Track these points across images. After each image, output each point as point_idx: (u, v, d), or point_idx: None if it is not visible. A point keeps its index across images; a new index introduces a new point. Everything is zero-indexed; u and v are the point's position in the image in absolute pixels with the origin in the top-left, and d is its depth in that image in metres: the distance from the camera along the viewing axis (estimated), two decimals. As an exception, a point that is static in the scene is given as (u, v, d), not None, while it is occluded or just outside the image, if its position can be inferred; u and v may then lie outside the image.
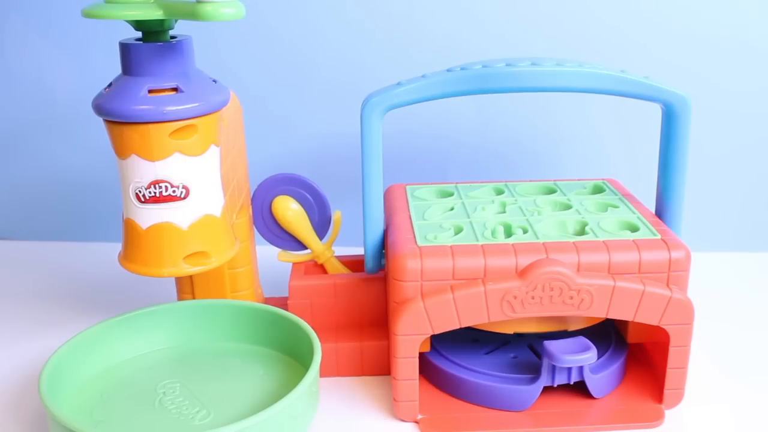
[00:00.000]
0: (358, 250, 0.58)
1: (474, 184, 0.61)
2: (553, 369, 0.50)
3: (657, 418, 0.50)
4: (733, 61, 0.72)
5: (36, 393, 0.54)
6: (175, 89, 0.47)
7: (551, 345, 0.49)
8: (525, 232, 0.51)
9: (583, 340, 0.49)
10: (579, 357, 0.48)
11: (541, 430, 0.49)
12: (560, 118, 0.76)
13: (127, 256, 0.50)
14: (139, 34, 0.48)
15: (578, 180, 0.62)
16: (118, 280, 0.70)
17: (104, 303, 0.68)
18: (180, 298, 0.59)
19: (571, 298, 0.47)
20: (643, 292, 0.47)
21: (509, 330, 0.50)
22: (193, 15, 0.44)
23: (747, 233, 0.78)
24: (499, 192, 0.59)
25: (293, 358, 0.54)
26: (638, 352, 0.56)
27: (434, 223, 0.53)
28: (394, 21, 0.73)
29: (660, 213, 0.55)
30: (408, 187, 0.61)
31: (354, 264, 0.61)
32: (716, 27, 0.71)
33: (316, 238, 0.59)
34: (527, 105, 0.75)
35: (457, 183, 0.61)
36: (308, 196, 0.59)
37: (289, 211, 0.59)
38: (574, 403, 0.51)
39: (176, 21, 0.48)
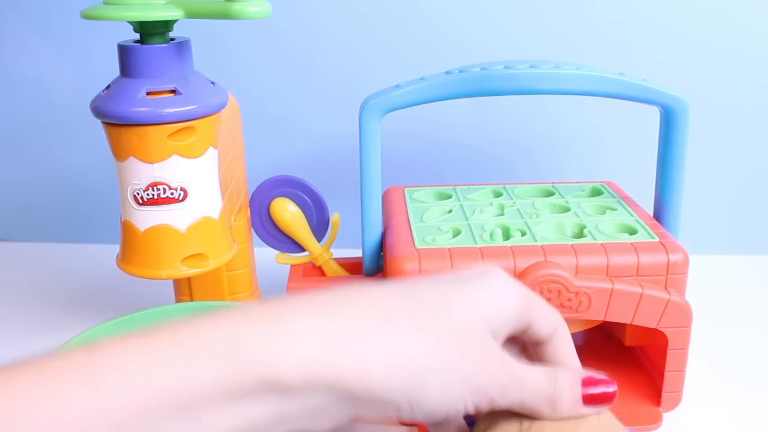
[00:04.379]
0: (356, 253, 0.58)
1: (472, 187, 0.61)
2: None
3: (655, 421, 0.50)
4: (732, 62, 0.72)
5: (33, 395, 0.54)
6: (174, 91, 0.47)
7: None
8: (523, 234, 0.51)
9: None
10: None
11: (539, 432, 0.49)
12: (558, 121, 0.76)
13: (125, 258, 0.50)
14: (137, 36, 0.48)
15: (576, 182, 0.62)
16: (116, 282, 0.70)
17: (102, 305, 0.68)
18: (178, 300, 0.59)
19: (569, 300, 0.47)
20: (641, 295, 0.47)
21: (507, 332, 0.50)
22: (220, 14, 0.44)
23: (745, 236, 0.78)
24: (498, 194, 0.59)
25: (291, 361, 0.54)
26: (636, 355, 0.56)
27: (432, 225, 0.53)
28: (393, 23, 0.73)
29: (658, 216, 0.55)
30: (406, 189, 0.61)
31: (352, 266, 0.61)
32: (715, 27, 0.71)
33: (314, 240, 0.59)
34: (526, 107, 0.75)
35: (455, 185, 0.61)
36: (306, 198, 0.59)
37: (287, 213, 0.59)
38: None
39: (175, 22, 0.48)
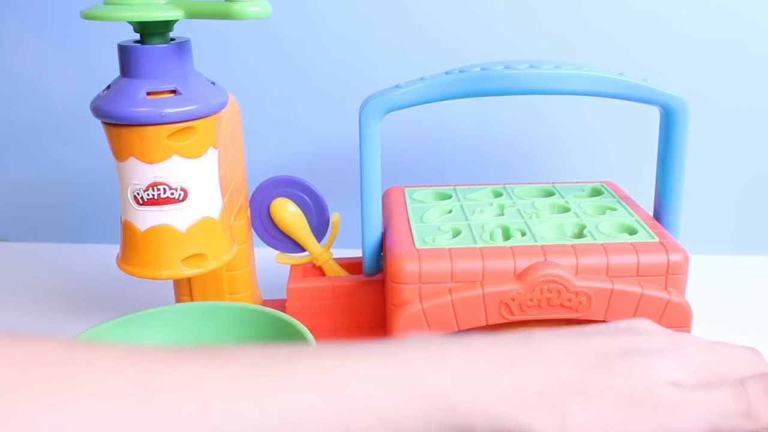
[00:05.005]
0: (357, 253, 0.58)
1: (472, 187, 0.61)
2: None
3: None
4: (733, 61, 0.72)
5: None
6: (174, 91, 0.47)
7: None
8: (523, 234, 0.51)
9: None
10: None
11: None
12: (558, 121, 0.76)
13: (125, 259, 0.50)
14: (138, 36, 0.48)
15: (576, 182, 0.62)
16: (116, 282, 0.70)
17: (102, 305, 0.68)
18: (178, 300, 0.59)
19: (569, 300, 0.47)
20: (641, 295, 0.47)
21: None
22: (220, 14, 0.44)
23: (746, 236, 0.78)
24: (498, 194, 0.59)
25: (291, 361, 0.54)
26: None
27: (432, 225, 0.53)
28: (393, 23, 0.73)
29: (658, 216, 0.55)
30: (406, 189, 0.61)
31: (352, 266, 0.61)
32: (716, 26, 0.71)
33: (315, 241, 0.59)
34: (525, 107, 0.75)
35: (455, 185, 0.61)
36: (306, 198, 0.59)
37: (288, 213, 0.59)
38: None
39: (176, 22, 0.48)
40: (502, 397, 0.30)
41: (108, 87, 0.48)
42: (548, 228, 0.52)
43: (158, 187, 0.47)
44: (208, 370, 0.28)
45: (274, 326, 0.54)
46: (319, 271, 0.60)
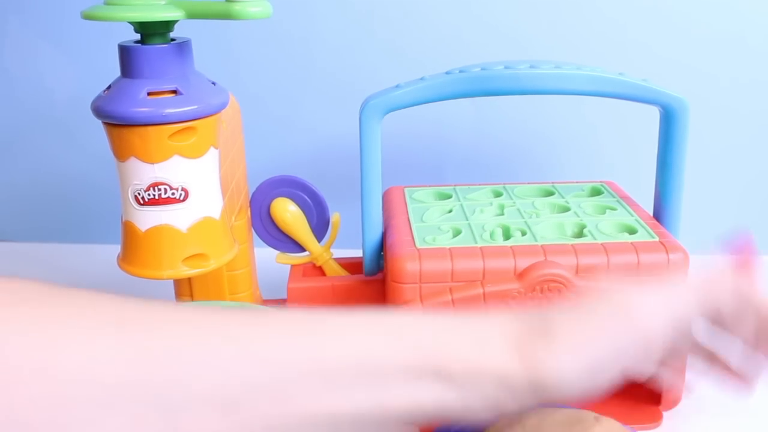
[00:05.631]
0: (357, 253, 0.58)
1: (472, 187, 0.61)
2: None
3: (655, 420, 0.50)
4: (733, 61, 0.72)
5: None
6: (174, 91, 0.47)
7: None
8: (523, 234, 0.51)
9: None
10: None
11: None
12: (558, 121, 0.76)
13: (126, 259, 0.50)
14: (138, 36, 0.48)
15: (576, 182, 0.62)
16: (116, 282, 0.70)
17: (103, 305, 0.68)
18: (178, 300, 0.59)
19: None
20: (641, 295, 0.47)
21: (507, 332, 0.50)
22: (221, 14, 0.44)
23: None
24: (498, 194, 0.59)
25: (292, 360, 0.54)
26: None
27: (433, 225, 0.53)
28: (393, 23, 0.73)
29: (658, 215, 0.55)
30: (406, 189, 0.61)
31: (352, 266, 0.61)
32: (717, 26, 0.72)
33: (315, 240, 0.59)
34: (525, 107, 0.75)
35: (455, 185, 0.61)
36: (307, 198, 0.59)
37: (288, 213, 0.59)
38: (572, 406, 0.51)
39: (176, 22, 0.48)
40: (473, 336, 0.33)
41: (108, 87, 0.48)
42: (548, 227, 0.52)
43: (159, 187, 0.47)
44: (194, 317, 0.30)
45: (275, 326, 0.54)
46: (319, 271, 0.60)
